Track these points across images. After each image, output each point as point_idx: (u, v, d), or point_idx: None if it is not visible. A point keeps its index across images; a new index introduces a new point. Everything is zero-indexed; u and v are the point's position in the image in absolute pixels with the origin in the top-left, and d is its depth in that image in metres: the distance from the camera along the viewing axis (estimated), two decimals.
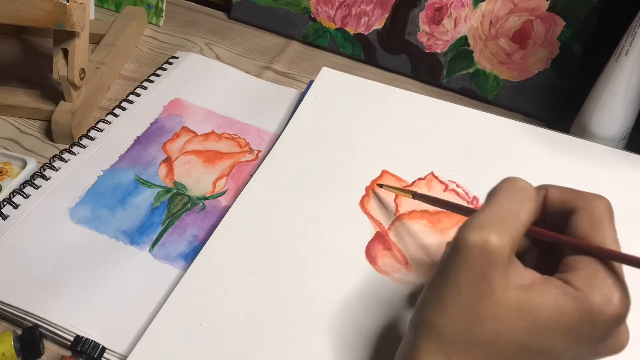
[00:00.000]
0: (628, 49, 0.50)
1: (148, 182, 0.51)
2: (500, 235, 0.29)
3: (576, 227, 0.31)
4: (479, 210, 0.31)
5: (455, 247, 0.30)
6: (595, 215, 0.31)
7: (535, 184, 0.49)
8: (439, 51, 0.63)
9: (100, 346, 0.39)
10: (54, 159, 0.51)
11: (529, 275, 0.30)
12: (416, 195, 0.44)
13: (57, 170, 0.51)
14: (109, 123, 0.55)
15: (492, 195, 0.32)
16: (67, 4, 0.48)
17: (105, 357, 0.39)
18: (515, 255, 0.30)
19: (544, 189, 0.34)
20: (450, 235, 0.46)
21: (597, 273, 0.29)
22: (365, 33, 0.65)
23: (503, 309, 0.29)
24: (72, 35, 0.51)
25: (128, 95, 0.58)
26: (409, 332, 0.32)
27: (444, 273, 0.30)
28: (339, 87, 0.57)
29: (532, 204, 0.32)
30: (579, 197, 0.32)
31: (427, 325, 0.30)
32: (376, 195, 0.49)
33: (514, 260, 0.30)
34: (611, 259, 0.30)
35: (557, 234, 0.32)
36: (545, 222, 0.33)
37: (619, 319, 0.29)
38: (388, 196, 0.49)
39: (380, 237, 0.46)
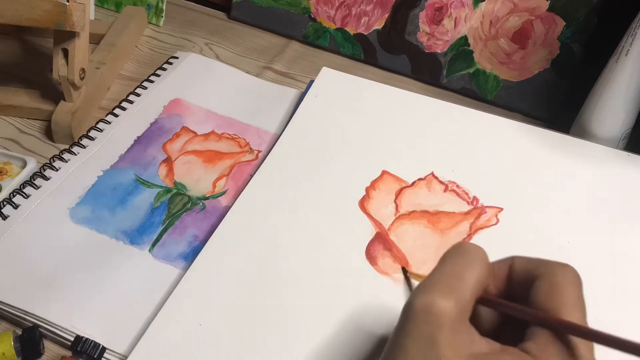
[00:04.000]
0: (628, 50, 0.50)
1: (148, 182, 0.51)
2: (445, 296, 0.28)
3: (535, 295, 0.30)
4: (427, 276, 0.30)
5: (403, 313, 0.29)
6: (555, 282, 0.29)
7: (535, 184, 0.49)
8: (439, 51, 0.63)
9: (101, 346, 0.39)
10: (54, 159, 0.51)
11: (487, 345, 0.28)
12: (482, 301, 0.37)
13: (57, 170, 0.51)
14: (109, 123, 0.55)
15: (440, 260, 0.31)
16: (67, 4, 0.48)
17: (105, 357, 0.39)
18: (471, 324, 0.29)
19: (510, 259, 0.32)
20: (450, 235, 0.46)
21: (552, 341, 0.28)
22: (365, 33, 0.65)
23: None
24: (72, 35, 0.51)
25: (128, 95, 0.58)
26: None
27: (394, 341, 0.29)
28: (339, 87, 0.57)
29: (478, 265, 0.30)
30: (542, 265, 0.31)
31: None
32: (376, 195, 0.49)
33: (467, 328, 0.29)
34: (559, 329, 0.28)
35: (510, 302, 0.30)
36: (512, 294, 0.31)
37: None
38: (388, 196, 0.49)
39: (380, 238, 0.46)
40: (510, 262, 0.32)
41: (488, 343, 0.29)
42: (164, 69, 0.61)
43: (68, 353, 0.40)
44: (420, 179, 0.50)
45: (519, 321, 0.30)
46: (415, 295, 0.28)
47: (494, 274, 0.31)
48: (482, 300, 0.30)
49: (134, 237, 0.46)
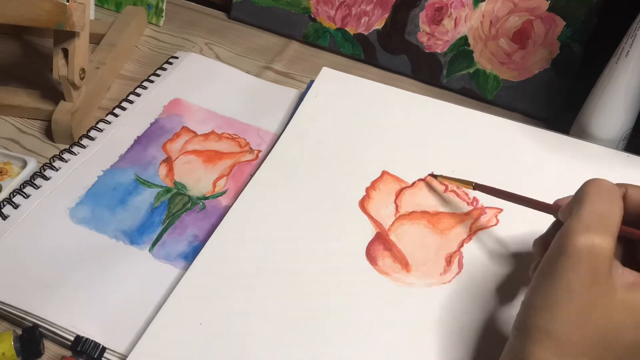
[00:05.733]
0: (628, 51, 0.50)
1: (148, 182, 0.51)
2: (604, 236, 0.30)
3: None
4: (576, 213, 0.32)
5: (564, 252, 0.31)
6: None
7: (535, 184, 0.49)
8: (439, 51, 0.63)
9: (101, 346, 0.39)
10: (54, 159, 0.51)
11: (629, 274, 0.31)
12: (477, 187, 0.45)
13: (57, 170, 0.51)
14: (109, 123, 0.55)
15: (582, 197, 0.33)
16: (67, 4, 0.48)
17: (105, 357, 0.39)
18: None
19: (623, 187, 0.35)
20: (450, 236, 0.46)
21: None
22: (365, 33, 0.65)
23: (613, 310, 0.30)
24: (72, 35, 0.51)
25: (128, 95, 0.58)
26: (515, 340, 0.33)
27: (552, 278, 0.31)
28: (339, 87, 0.57)
29: (621, 203, 0.33)
30: None
31: (540, 331, 0.31)
32: (376, 195, 0.49)
33: (614, 261, 0.31)
34: None
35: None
36: (625, 220, 0.34)
37: None
38: (388, 197, 0.49)
39: (380, 238, 0.46)
40: (624, 191, 0.35)
41: (630, 272, 0.31)
42: (164, 69, 0.61)
43: (68, 353, 0.40)
44: (420, 180, 0.50)
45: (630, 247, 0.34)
46: (576, 235, 0.31)
47: None
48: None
49: (133, 237, 0.46)
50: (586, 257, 0.30)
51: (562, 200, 0.38)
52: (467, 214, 0.47)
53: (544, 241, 0.38)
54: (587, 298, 0.30)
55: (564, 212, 0.35)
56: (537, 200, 0.41)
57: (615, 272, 0.31)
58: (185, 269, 0.44)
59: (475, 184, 0.46)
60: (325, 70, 0.59)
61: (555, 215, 0.39)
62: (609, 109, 0.52)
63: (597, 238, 0.30)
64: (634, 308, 0.30)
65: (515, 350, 0.32)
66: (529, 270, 0.39)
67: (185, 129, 0.55)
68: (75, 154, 0.52)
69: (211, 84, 0.60)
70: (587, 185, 0.33)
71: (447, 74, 0.64)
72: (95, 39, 0.62)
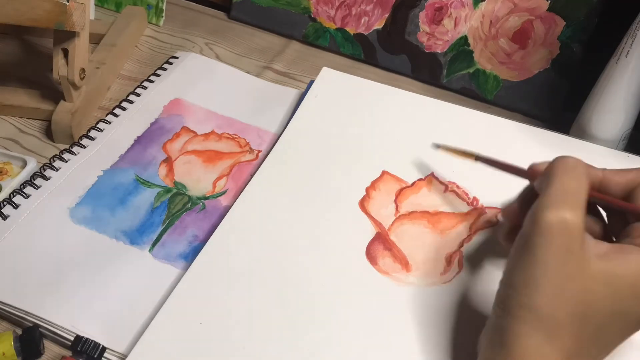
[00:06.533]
0: (628, 51, 0.50)
1: (148, 182, 0.51)
2: (573, 211, 0.31)
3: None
4: (545, 191, 0.33)
5: (536, 229, 0.31)
6: None
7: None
8: (439, 51, 0.63)
9: (101, 346, 0.39)
10: (54, 159, 0.51)
11: (601, 245, 0.32)
12: (479, 159, 0.45)
13: (57, 170, 0.51)
14: (109, 123, 0.55)
15: (550, 176, 0.34)
16: (67, 4, 0.48)
17: (105, 357, 0.39)
18: None
19: (600, 171, 0.36)
20: (450, 236, 0.46)
21: None
22: (365, 33, 0.65)
23: (590, 281, 0.31)
24: (72, 35, 0.51)
25: (128, 95, 0.58)
26: (498, 319, 0.33)
27: (528, 255, 0.32)
28: (340, 88, 0.57)
29: (586, 178, 0.33)
30: None
31: (522, 308, 0.32)
32: (376, 195, 0.49)
33: (587, 234, 0.32)
34: None
35: (624, 202, 0.35)
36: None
37: None
38: (388, 197, 0.49)
39: (380, 238, 0.46)
40: (601, 175, 0.36)
41: (603, 244, 0.33)
42: (164, 69, 0.61)
43: (68, 353, 0.40)
44: (420, 180, 0.50)
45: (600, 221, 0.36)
46: (547, 212, 0.32)
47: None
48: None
49: (134, 237, 0.46)
50: (558, 232, 0.31)
51: (538, 166, 0.38)
52: (467, 214, 0.47)
53: (516, 206, 0.39)
54: (563, 272, 0.31)
55: (538, 184, 0.36)
56: (517, 167, 0.41)
57: (587, 245, 0.32)
58: (185, 269, 0.44)
59: (477, 155, 0.46)
60: (325, 70, 0.59)
61: (531, 182, 0.39)
62: (609, 109, 0.52)
63: (567, 213, 0.31)
64: (607, 277, 0.31)
65: (497, 328, 0.33)
66: (499, 236, 0.40)
67: (185, 129, 0.55)
68: (75, 154, 0.52)
69: (211, 84, 0.60)
70: (554, 164, 0.34)
71: (447, 74, 0.64)
72: (95, 39, 0.62)
